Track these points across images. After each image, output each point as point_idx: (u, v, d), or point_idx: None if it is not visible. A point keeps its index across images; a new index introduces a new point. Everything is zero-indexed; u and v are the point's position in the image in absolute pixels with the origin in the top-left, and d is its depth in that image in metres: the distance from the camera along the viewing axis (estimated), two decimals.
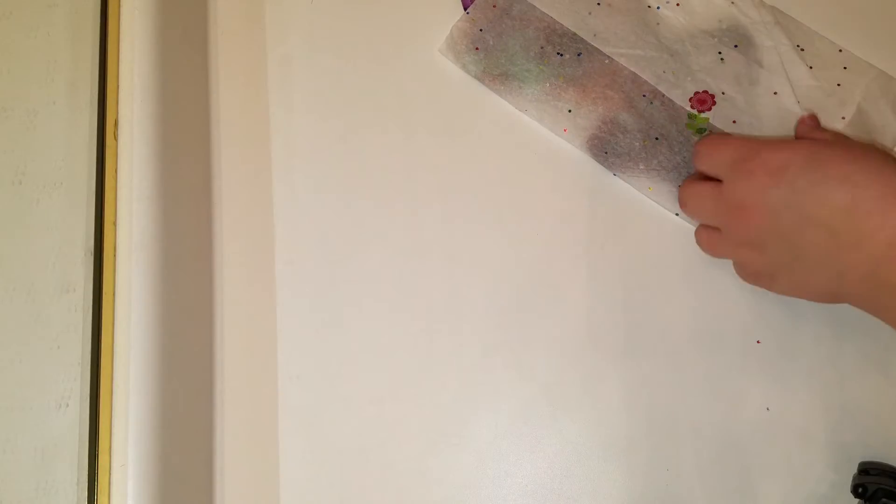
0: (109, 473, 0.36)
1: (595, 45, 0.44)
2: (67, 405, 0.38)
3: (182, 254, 0.41)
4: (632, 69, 0.43)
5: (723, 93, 0.42)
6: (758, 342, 0.40)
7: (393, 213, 0.44)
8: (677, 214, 0.42)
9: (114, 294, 0.38)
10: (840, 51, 0.42)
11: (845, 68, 0.42)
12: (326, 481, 0.41)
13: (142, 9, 0.42)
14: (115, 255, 0.39)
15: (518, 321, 0.42)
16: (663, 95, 0.43)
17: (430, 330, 0.42)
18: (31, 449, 0.37)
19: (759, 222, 0.35)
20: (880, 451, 0.38)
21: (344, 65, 0.46)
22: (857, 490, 0.36)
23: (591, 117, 0.43)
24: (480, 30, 0.45)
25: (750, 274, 0.38)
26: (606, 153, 0.43)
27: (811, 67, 0.42)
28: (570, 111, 0.43)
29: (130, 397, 0.37)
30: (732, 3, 0.43)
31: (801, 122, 0.40)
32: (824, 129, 0.40)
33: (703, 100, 0.42)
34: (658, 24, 0.44)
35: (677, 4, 0.44)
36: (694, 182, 0.39)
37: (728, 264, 0.40)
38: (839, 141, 0.38)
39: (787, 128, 0.41)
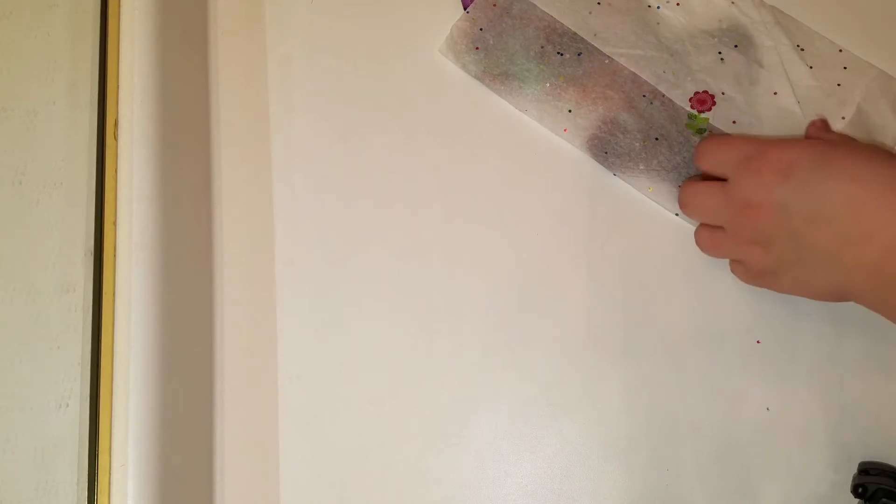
0: (109, 473, 0.36)
1: (595, 44, 0.44)
2: (67, 405, 0.38)
3: (182, 254, 0.41)
4: (632, 69, 0.43)
5: (723, 93, 0.42)
6: (758, 342, 0.40)
7: (393, 213, 0.44)
8: (677, 214, 0.42)
9: (114, 294, 0.38)
10: (840, 51, 0.42)
11: (845, 68, 0.42)
12: (326, 481, 0.41)
13: (142, 9, 0.42)
14: (115, 255, 0.39)
15: (518, 321, 0.42)
16: (663, 95, 0.43)
17: (430, 330, 0.42)
18: (31, 449, 0.37)
19: (765, 219, 0.35)
20: (880, 451, 0.38)
21: (344, 65, 0.46)
22: (857, 490, 0.36)
23: (592, 117, 0.43)
24: (480, 29, 0.45)
25: (754, 273, 0.38)
26: (606, 153, 0.43)
27: (811, 67, 0.42)
28: (570, 111, 0.43)
29: (130, 397, 0.37)
30: (732, 3, 0.43)
31: (811, 124, 0.41)
32: (832, 132, 0.40)
33: (703, 100, 0.42)
34: (658, 23, 0.44)
35: (677, 4, 0.44)
36: (695, 182, 0.39)
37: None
38: (845, 142, 0.39)
39: (787, 128, 0.41)
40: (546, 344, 0.41)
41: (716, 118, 0.42)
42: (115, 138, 0.40)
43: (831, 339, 0.39)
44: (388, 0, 0.47)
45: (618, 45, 0.44)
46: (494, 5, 0.45)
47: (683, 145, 0.42)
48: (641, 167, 0.42)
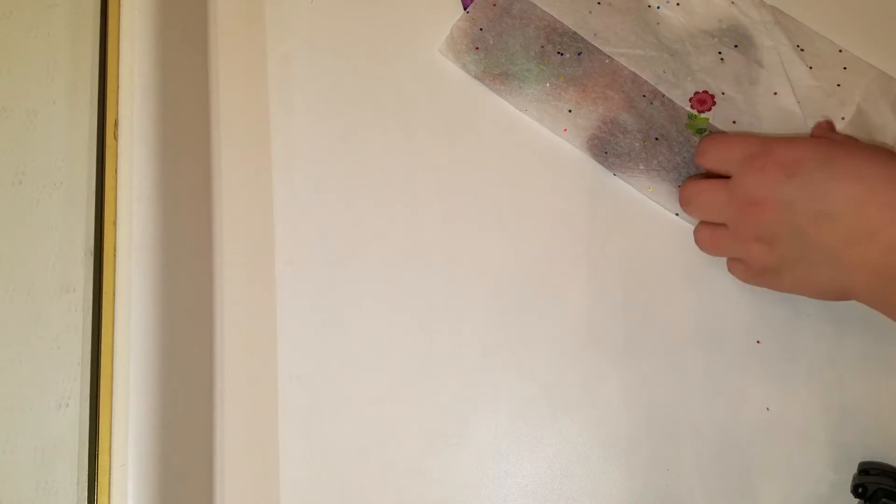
0: (109, 473, 0.36)
1: (595, 44, 0.44)
2: (67, 405, 0.38)
3: (182, 254, 0.41)
4: (632, 69, 0.43)
5: (723, 93, 0.42)
6: (758, 342, 0.40)
7: (393, 213, 0.44)
8: (677, 214, 0.42)
9: (114, 294, 0.38)
10: (840, 51, 0.42)
11: (845, 68, 0.42)
12: (326, 481, 0.41)
13: (142, 9, 0.42)
14: (115, 255, 0.39)
15: (518, 321, 0.42)
16: (663, 95, 0.43)
17: (430, 330, 0.42)
18: (31, 449, 0.37)
19: (770, 216, 0.35)
20: (880, 451, 0.38)
21: (344, 65, 0.46)
22: (857, 490, 0.36)
23: (592, 117, 0.43)
24: (480, 29, 0.45)
25: (754, 271, 0.38)
26: (606, 153, 0.43)
27: (811, 67, 0.42)
28: (570, 111, 0.43)
29: (130, 397, 0.37)
30: (732, 3, 0.43)
31: (817, 126, 0.41)
32: (837, 133, 0.40)
33: (703, 100, 0.42)
34: (658, 23, 0.44)
35: (677, 4, 0.44)
36: (697, 180, 0.39)
37: None
38: (850, 142, 0.39)
39: (787, 128, 0.41)
40: (546, 344, 0.41)
41: (716, 118, 0.42)
42: (115, 138, 0.40)
43: (831, 339, 0.39)
44: (388, 0, 0.47)
45: (618, 44, 0.44)
46: (494, 5, 0.45)
47: (683, 145, 0.42)
48: (641, 167, 0.42)
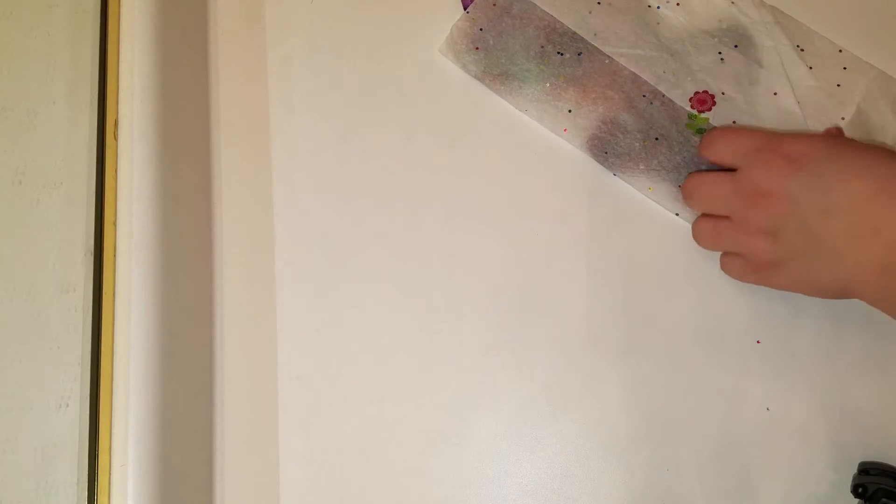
0: (109, 473, 0.36)
1: (595, 44, 0.44)
2: (67, 405, 0.38)
3: (182, 254, 0.41)
4: (632, 69, 0.43)
5: (723, 93, 0.42)
6: (758, 342, 0.40)
7: (393, 213, 0.44)
8: (677, 214, 0.42)
9: (114, 294, 0.38)
10: (840, 51, 0.42)
11: (845, 68, 0.42)
12: (326, 481, 0.41)
13: (142, 9, 0.42)
14: (115, 255, 0.39)
15: (518, 321, 0.42)
16: (663, 95, 0.43)
17: (430, 330, 0.42)
18: (31, 449, 0.37)
19: (776, 208, 0.35)
20: (880, 451, 0.38)
21: (344, 65, 0.46)
22: (857, 490, 0.36)
23: (591, 117, 0.43)
24: (480, 29, 0.45)
25: (754, 266, 0.38)
26: (606, 153, 0.43)
27: (811, 67, 0.42)
28: (570, 111, 0.43)
29: (130, 397, 0.37)
30: (732, 3, 0.43)
31: (826, 132, 0.40)
32: (846, 138, 0.40)
33: (703, 100, 0.42)
34: (658, 23, 0.44)
35: (677, 4, 0.44)
36: (701, 173, 0.39)
37: None
38: (855, 141, 0.39)
39: (787, 128, 0.41)
40: (546, 344, 0.41)
41: (716, 118, 0.42)
42: (115, 138, 0.40)
43: (831, 339, 0.39)
44: (388, 0, 0.47)
45: (618, 44, 0.44)
46: (494, 5, 0.45)
47: (683, 145, 0.42)
48: (641, 167, 0.42)
